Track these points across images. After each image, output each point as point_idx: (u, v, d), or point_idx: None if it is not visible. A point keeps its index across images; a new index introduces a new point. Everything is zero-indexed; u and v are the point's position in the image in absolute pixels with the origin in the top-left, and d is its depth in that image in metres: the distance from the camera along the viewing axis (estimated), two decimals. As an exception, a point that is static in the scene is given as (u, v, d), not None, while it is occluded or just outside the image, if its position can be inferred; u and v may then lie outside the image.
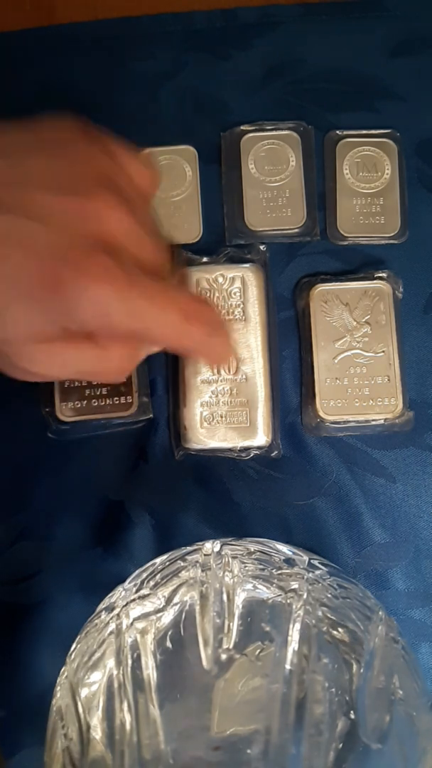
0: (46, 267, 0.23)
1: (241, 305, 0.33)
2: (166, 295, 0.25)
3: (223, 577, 0.24)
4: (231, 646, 0.22)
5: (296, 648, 0.22)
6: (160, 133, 0.36)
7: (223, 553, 0.25)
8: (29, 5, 0.37)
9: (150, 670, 0.22)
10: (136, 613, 0.24)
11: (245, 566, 0.25)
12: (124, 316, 0.24)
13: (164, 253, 0.28)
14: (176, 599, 0.24)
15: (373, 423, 0.33)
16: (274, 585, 0.24)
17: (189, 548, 0.27)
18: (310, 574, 0.24)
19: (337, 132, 0.35)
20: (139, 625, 0.23)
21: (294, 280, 0.35)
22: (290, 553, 0.26)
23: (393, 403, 0.33)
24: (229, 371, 0.33)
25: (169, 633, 0.23)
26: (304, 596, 0.23)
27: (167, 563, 0.26)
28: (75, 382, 0.34)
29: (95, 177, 0.25)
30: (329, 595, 0.24)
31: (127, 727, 0.21)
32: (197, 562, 0.25)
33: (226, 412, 0.33)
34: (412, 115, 0.35)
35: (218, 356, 0.30)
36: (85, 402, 0.34)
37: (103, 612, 0.25)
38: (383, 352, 0.33)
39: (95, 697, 0.22)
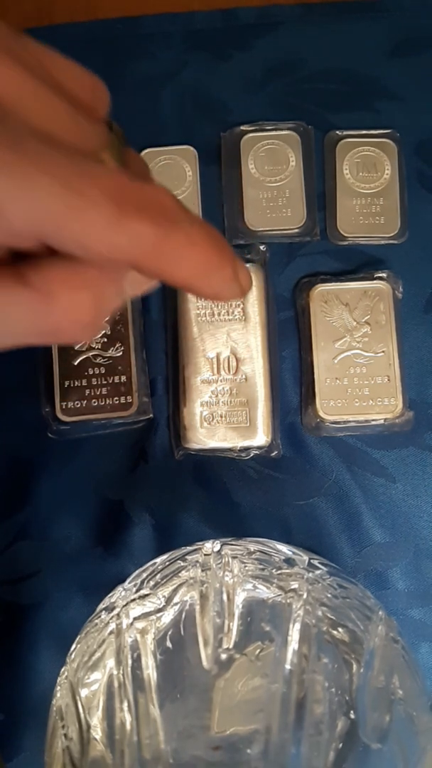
0: None
1: (241, 305, 0.33)
2: (81, 169, 0.17)
3: (223, 577, 0.24)
4: (231, 646, 0.22)
5: (296, 648, 0.22)
6: (160, 133, 0.36)
7: (223, 553, 0.25)
8: (29, 5, 0.37)
9: (150, 670, 0.22)
10: (136, 613, 0.24)
11: (245, 566, 0.25)
12: (10, 199, 0.16)
13: (84, 124, 0.19)
14: (176, 599, 0.24)
15: (373, 423, 0.33)
16: (274, 585, 0.24)
17: (189, 548, 0.27)
18: (310, 574, 0.24)
19: (337, 132, 0.35)
20: (139, 625, 0.23)
21: (294, 280, 0.35)
22: (290, 553, 0.26)
23: (393, 403, 0.33)
24: (229, 371, 0.33)
25: (169, 633, 0.23)
26: (304, 596, 0.23)
27: (167, 563, 0.26)
28: (75, 381, 0.34)
29: None
30: (329, 595, 0.24)
31: (127, 726, 0.21)
32: (197, 562, 0.25)
33: (226, 412, 0.33)
34: (412, 115, 0.35)
35: (195, 274, 0.18)
36: (85, 402, 0.34)
37: (103, 612, 0.25)
38: (383, 352, 0.33)
39: (95, 697, 0.22)
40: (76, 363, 0.34)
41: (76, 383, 0.34)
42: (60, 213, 0.17)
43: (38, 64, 0.18)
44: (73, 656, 0.24)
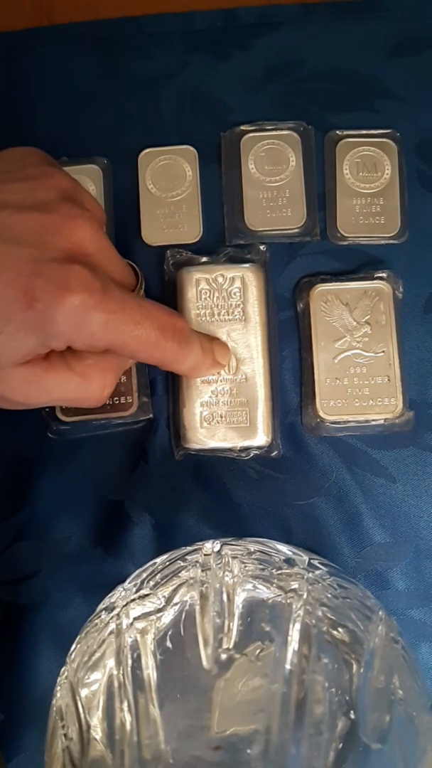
0: (19, 284, 0.23)
1: (241, 305, 0.33)
2: (140, 308, 0.26)
3: (223, 577, 0.24)
4: (231, 646, 0.22)
5: (296, 648, 0.22)
6: (160, 133, 0.36)
7: (223, 553, 0.25)
8: (29, 5, 0.37)
9: (150, 670, 0.22)
10: (136, 613, 0.24)
11: (245, 566, 0.25)
12: (101, 327, 0.24)
13: (129, 273, 0.28)
14: (176, 599, 0.24)
15: (373, 423, 0.33)
16: (274, 585, 0.24)
17: (189, 548, 0.27)
18: (310, 574, 0.24)
19: (337, 132, 0.35)
20: (139, 625, 0.23)
21: (294, 280, 0.35)
22: (290, 553, 0.26)
23: (393, 403, 0.33)
24: (229, 371, 0.33)
25: (169, 633, 0.23)
26: (304, 596, 0.23)
27: (167, 563, 0.26)
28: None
29: (57, 191, 0.25)
30: (329, 595, 0.24)
31: (127, 727, 0.21)
32: (197, 562, 0.25)
33: (226, 412, 0.33)
34: (412, 115, 0.35)
35: (192, 368, 0.30)
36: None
37: (103, 612, 0.25)
38: (383, 352, 0.33)
39: (95, 697, 0.22)
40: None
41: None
42: (128, 339, 0.25)
43: (89, 200, 0.27)
44: (73, 656, 0.24)
